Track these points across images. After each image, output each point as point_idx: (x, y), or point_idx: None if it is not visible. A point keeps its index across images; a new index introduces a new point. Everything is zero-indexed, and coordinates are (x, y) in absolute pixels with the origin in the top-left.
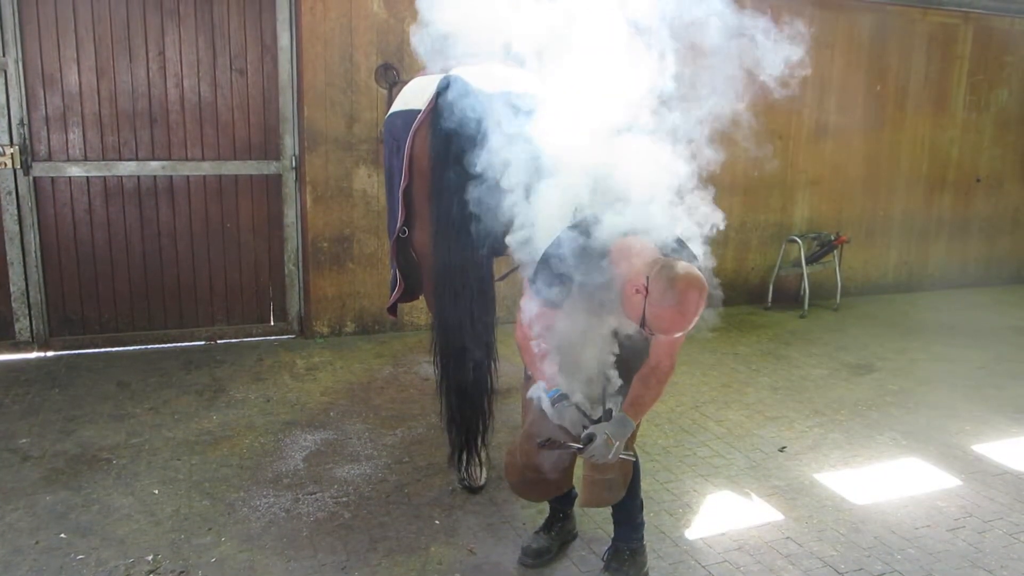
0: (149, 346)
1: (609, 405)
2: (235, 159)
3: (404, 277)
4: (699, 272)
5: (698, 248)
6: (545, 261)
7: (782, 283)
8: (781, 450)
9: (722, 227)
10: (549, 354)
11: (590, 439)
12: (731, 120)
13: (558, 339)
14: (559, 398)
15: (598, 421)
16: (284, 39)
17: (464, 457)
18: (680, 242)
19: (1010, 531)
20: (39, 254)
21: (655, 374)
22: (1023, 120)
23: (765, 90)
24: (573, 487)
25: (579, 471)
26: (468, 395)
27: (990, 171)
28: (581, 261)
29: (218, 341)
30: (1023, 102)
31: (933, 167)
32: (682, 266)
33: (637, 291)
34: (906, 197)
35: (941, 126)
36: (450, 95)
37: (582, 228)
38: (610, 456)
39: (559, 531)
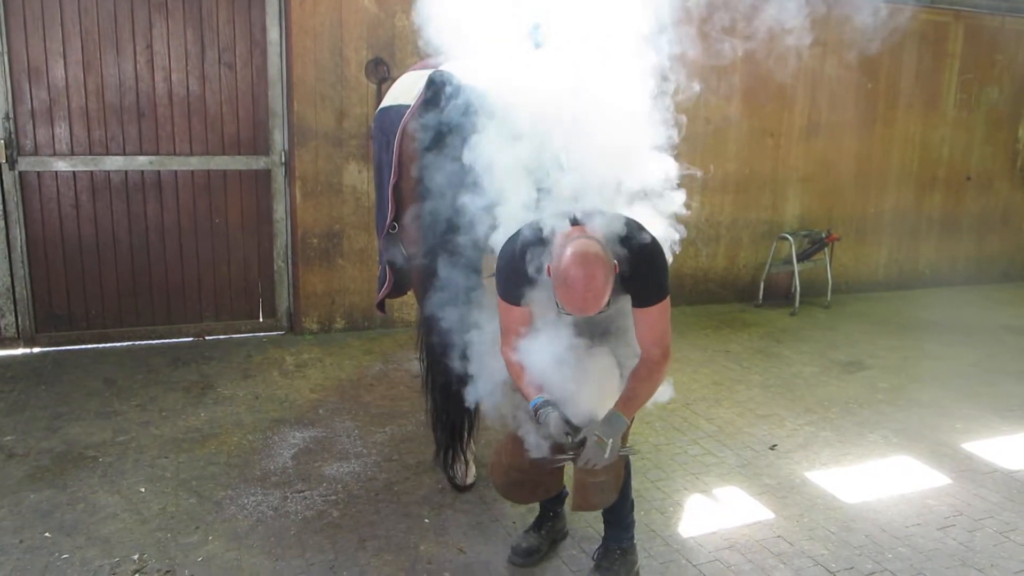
0: (136, 342)
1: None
2: (224, 154)
3: (393, 273)
4: (592, 249)
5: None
6: (501, 262)
7: (773, 281)
8: (772, 448)
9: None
10: (530, 365)
11: (581, 444)
12: (723, 117)
13: (540, 342)
14: (542, 405)
15: (578, 429)
16: (273, 33)
17: (449, 456)
18: (631, 226)
19: (1000, 529)
20: (25, 249)
21: (645, 365)
22: (1013, 119)
23: (756, 87)
24: (564, 486)
25: (570, 470)
26: (454, 393)
27: (980, 169)
28: (533, 256)
29: (206, 338)
30: (1013, 101)
31: (924, 165)
32: (578, 243)
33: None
34: (897, 195)
35: (932, 124)
36: (439, 90)
37: (532, 226)
38: (606, 456)
39: (549, 530)
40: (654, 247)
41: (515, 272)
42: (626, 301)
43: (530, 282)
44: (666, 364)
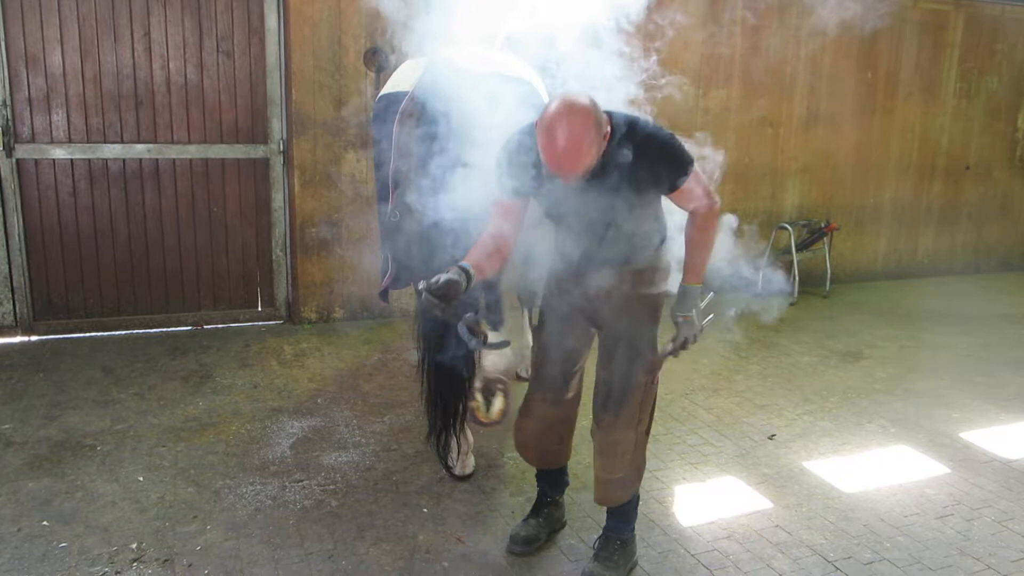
0: (134, 331)
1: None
2: (222, 142)
3: (395, 262)
4: (581, 101)
5: None
6: (503, 154)
7: None
8: (771, 438)
9: None
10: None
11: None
12: (722, 107)
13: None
14: (454, 268)
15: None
16: (271, 21)
17: (443, 439)
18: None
19: (998, 519)
20: (23, 237)
21: (694, 225)
22: (1012, 108)
23: (756, 76)
24: (567, 474)
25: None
26: (449, 377)
27: (979, 159)
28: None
29: (204, 327)
30: (1012, 90)
31: (923, 155)
32: (567, 95)
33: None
34: (896, 185)
35: (931, 114)
36: (438, 77)
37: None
38: (698, 330)
39: (547, 517)
40: (661, 132)
41: (508, 160)
42: (642, 203)
43: (521, 170)
44: (716, 214)
